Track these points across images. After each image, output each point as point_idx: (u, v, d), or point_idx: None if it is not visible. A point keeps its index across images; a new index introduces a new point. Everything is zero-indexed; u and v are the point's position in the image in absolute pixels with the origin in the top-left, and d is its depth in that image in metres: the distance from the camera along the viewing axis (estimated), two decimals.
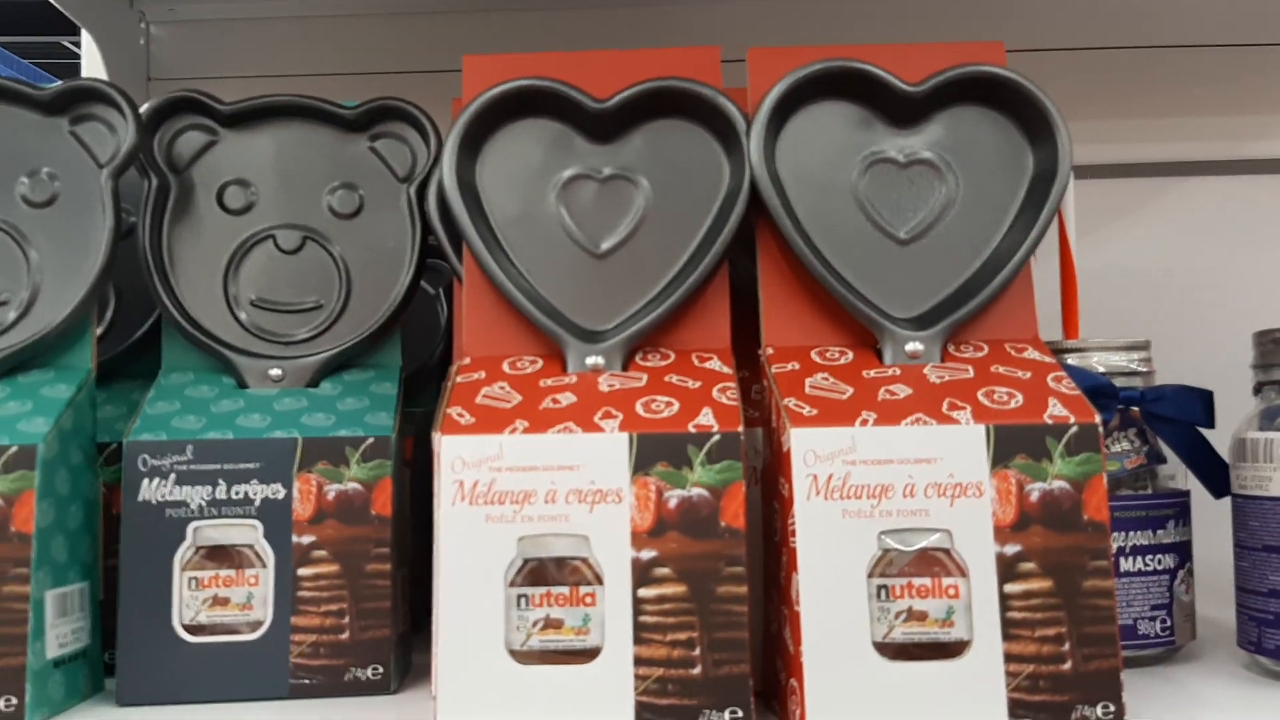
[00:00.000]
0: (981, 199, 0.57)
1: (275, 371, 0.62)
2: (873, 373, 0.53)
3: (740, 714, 0.47)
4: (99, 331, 0.63)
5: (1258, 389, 0.59)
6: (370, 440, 0.58)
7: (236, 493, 0.57)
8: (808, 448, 0.49)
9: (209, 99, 0.65)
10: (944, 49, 0.57)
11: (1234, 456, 0.59)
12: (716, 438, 0.49)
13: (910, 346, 0.54)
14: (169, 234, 0.64)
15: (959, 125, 0.58)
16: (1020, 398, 0.50)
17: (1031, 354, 0.54)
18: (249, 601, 0.57)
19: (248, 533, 0.57)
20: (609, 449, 0.49)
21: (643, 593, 0.48)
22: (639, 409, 0.51)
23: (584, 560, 0.48)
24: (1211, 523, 0.65)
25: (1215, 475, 0.62)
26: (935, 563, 0.48)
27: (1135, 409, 0.61)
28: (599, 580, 0.48)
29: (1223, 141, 0.97)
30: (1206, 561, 0.65)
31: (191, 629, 0.56)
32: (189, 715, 0.54)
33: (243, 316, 0.63)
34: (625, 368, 0.54)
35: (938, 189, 0.57)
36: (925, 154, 0.57)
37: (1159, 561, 0.60)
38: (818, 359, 0.54)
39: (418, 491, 0.66)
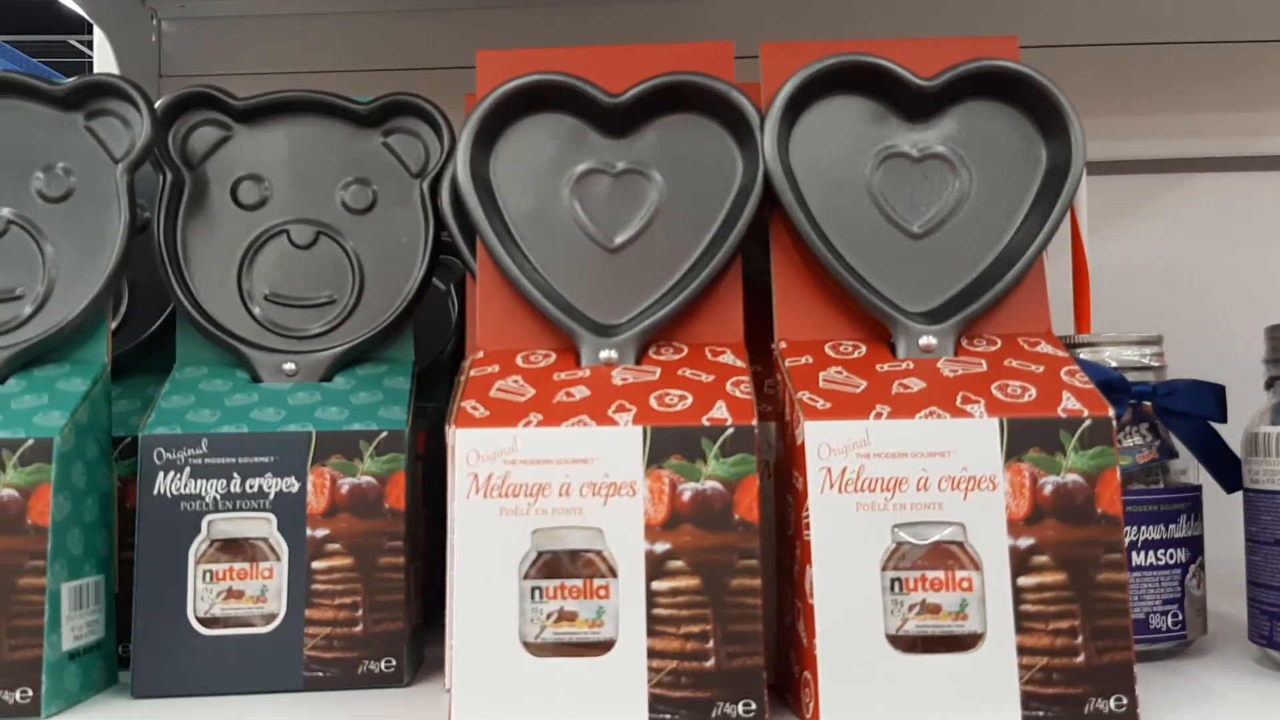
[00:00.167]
0: (995, 193, 0.57)
1: (289, 366, 0.62)
2: (886, 366, 0.53)
3: (754, 707, 0.48)
4: (114, 326, 0.63)
5: (1270, 383, 0.59)
6: (384, 434, 0.58)
7: (251, 486, 0.57)
8: (822, 441, 0.49)
9: (223, 94, 0.65)
10: (957, 44, 0.57)
11: (1246, 451, 0.59)
12: (730, 431, 0.49)
13: (924, 340, 0.54)
14: (183, 229, 0.64)
15: (972, 120, 0.58)
16: (1034, 391, 0.50)
17: (1044, 348, 0.54)
18: (263, 594, 0.57)
19: (262, 526, 0.57)
20: (623, 442, 0.49)
21: (656, 585, 0.48)
22: (653, 402, 0.51)
23: (598, 553, 0.49)
24: (1223, 517, 0.65)
25: (1227, 470, 0.62)
26: (949, 556, 0.48)
27: (1147, 404, 0.61)
28: (613, 573, 0.48)
29: (1236, 137, 0.97)
30: (1218, 556, 0.65)
31: (206, 622, 0.57)
32: (203, 707, 0.54)
33: (256, 311, 0.64)
34: (639, 361, 0.54)
35: (951, 183, 0.57)
36: (939, 148, 0.57)
37: (1171, 556, 0.60)
38: (831, 353, 0.54)
39: (430, 485, 0.66)
